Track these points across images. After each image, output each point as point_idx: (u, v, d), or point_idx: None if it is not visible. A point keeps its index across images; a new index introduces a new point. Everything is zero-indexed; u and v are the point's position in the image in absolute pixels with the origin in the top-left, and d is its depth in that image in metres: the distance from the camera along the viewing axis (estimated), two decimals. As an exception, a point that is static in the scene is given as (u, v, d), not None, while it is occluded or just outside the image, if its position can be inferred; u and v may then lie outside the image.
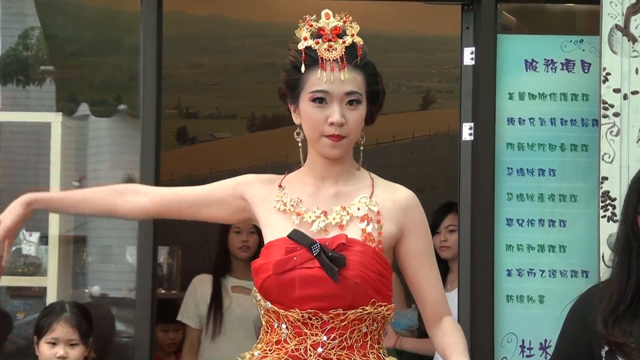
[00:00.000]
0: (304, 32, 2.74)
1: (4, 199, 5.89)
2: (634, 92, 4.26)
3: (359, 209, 2.74)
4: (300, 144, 2.80)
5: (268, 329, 2.73)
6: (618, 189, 4.21)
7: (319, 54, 2.70)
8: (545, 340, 4.38)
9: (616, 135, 4.24)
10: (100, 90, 6.21)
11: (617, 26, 4.28)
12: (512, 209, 4.46)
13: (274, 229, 2.75)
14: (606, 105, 4.26)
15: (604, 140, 4.24)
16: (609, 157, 4.25)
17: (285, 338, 2.68)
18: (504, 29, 4.68)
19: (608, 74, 4.25)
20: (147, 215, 2.95)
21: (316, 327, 2.66)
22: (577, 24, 4.88)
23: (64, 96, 6.05)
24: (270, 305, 2.70)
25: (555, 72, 4.51)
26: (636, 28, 4.27)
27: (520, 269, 4.43)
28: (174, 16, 4.98)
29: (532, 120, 4.50)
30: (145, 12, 4.53)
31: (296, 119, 2.79)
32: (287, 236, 2.70)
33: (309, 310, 2.65)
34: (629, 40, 4.27)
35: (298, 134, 2.80)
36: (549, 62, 4.52)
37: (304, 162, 2.83)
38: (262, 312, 2.75)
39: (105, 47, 5.97)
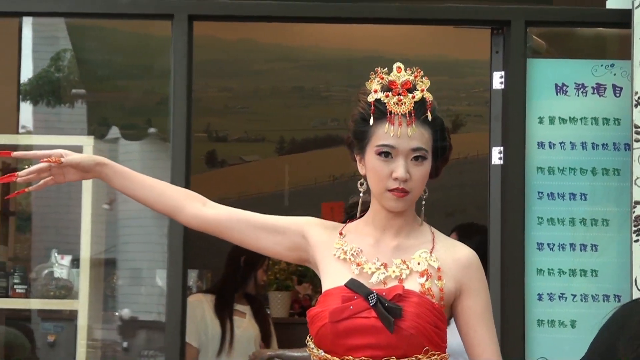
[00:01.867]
0: (374, 85, 2.75)
1: (36, 221, 5.93)
2: (666, 116, 4.24)
3: (419, 263, 2.75)
4: (361, 194, 2.81)
5: None
6: (650, 213, 4.18)
7: (387, 107, 2.72)
8: (577, 365, 4.35)
9: (648, 159, 4.22)
10: (131, 113, 6.25)
11: (650, 51, 4.26)
12: (543, 233, 4.44)
13: (332, 277, 2.76)
14: (638, 130, 4.24)
15: (636, 164, 4.21)
16: (641, 181, 4.23)
17: None
18: (534, 52, 4.67)
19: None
20: (205, 228, 2.90)
21: None
22: (608, 48, 4.87)
23: (95, 119, 6.09)
24: (323, 353, 2.70)
25: (586, 96, 4.50)
26: (668, 52, 4.26)
27: (551, 293, 4.40)
28: (203, 40, 5.00)
29: (562, 144, 4.49)
30: (176, 36, 4.55)
31: (361, 170, 2.80)
32: (345, 285, 2.71)
33: (362, 358, 2.66)
34: (662, 65, 4.25)
35: (361, 184, 2.80)
36: (580, 86, 4.50)
37: (360, 213, 2.86)
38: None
39: (136, 71, 6.00)
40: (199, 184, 7.50)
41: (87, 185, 4.84)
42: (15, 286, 4.91)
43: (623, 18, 4.35)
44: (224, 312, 5.48)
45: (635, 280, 4.17)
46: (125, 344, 5.77)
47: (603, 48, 4.88)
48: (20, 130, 5.93)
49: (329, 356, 2.69)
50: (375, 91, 2.73)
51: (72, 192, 5.39)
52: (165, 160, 4.64)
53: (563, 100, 4.49)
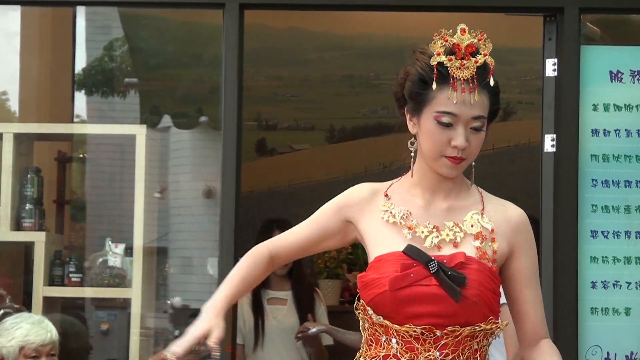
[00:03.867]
0: (437, 47, 2.63)
1: (90, 210, 5.98)
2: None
3: (472, 225, 2.68)
4: (412, 154, 2.72)
5: (372, 342, 2.69)
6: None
7: (450, 71, 2.61)
8: (632, 353, 4.33)
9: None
10: (182, 102, 6.27)
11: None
12: (597, 221, 4.42)
13: (383, 242, 2.68)
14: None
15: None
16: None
17: (395, 353, 2.64)
18: (588, 39, 4.64)
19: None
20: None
21: (429, 343, 2.62)
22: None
23: (147, 108, 6.12)
24: (381, 319, 2.64)
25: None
26: None
27: (605, 281, 4.37)
28: (254, 29, 5.01)
29: (617, 131, 4.45)
30: (227, 25, 4.57)
31: (412, 128, 2.70)
32: (402, 251, 2.63)
33: (424, 326, 2.61)
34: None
35: (412, 143, 2.71)
36: (636, 73, 4.46)
37: (413, 172, 2.73)
38: (367, 324, 2.70)
39: (187, 60, 6.03)
40: (250, 172, 7.54)
41: (140, 174, 4.87)
42: (70, 275, 4.95)
43: (679, 3, 4.32)
44: (256, 301, 5.31)
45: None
46: (177, 332, 5.79)
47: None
48: (75, 120, 5.98)
49: (387, 322, 2.63)
50: (439, 54, 2.62)
51: (125, 182, 5.43)
52: (216, 149, 4.67)
53: (618, 87, 4.45)
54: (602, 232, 4.41)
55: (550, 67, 4.52)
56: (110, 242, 5.05)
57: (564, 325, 4.35)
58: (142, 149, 4.88)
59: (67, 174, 5.67)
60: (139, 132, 4.93)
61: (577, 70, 4.45)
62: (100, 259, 5.01)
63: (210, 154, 5.93)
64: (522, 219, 2.74)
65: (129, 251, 4.96)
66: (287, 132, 8.96)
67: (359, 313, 2.71)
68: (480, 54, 2.64)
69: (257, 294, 5.31)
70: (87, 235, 5.85)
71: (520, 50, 7.74)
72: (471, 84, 2.62)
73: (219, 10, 4.60)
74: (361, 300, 2.69)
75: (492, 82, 2.65)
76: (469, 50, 2.63)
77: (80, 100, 6.08)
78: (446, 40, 2.64)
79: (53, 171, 5.53)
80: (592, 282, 4.39)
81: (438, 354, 2.61)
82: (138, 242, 4.88)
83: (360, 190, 2.77)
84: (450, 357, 2.62)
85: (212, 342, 2.66)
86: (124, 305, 5.10)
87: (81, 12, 5.88)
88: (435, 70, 2.62)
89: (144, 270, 4.87)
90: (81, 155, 5.90)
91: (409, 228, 2.67)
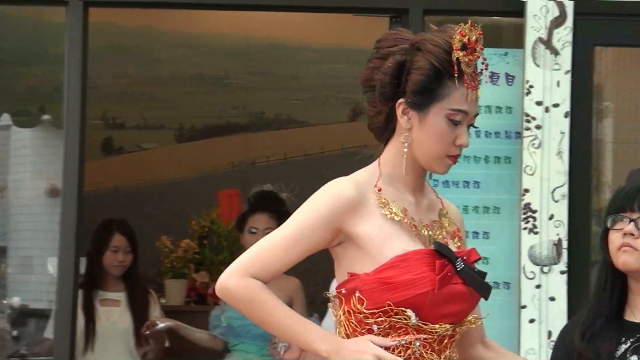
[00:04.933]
0: (456, 42, 2.51)
1: None
2: (555, 105, 4.30)
3: (448, 224, 2.63)
4: (406, 150, 2.55)
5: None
6: (539, 201, 4.24)
7: (462, 68, 2.51)
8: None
9: (538, 147, 4.28)
10: (24, 100, 6.12)
11: (540, 39, 4.33)
12: (438, 221, 4.47)
13: (396, 241, 2.53)
14: (528, 118, 4.30)
15: (526, 153, 4.27)
16: (531, 170, 4.28)
17: (417, 356, 2.52)
18: (432, 41, 4.69)
19: (531, 86, 4.30)
20: None
21: (445, 342, 2.55)
22: (503, 37, 4.91)
23: (-16, 106, 5.96)
24: (416, 321, 2.50)
25: (480, 84, 4.53)
26: (558, 41, 4.32)
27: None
28: (101, 27, 4.93)
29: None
30: (70, 22, 4.49)
31: (407, 123, 2.55)
32: (435, 250, 2.52)
33: (451, 325, 2.54)
34: (551, 53, 4.31)
35: (407, 137, 2.54)
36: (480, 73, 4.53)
37: (397, 165, 2.58)
38: (376, 328, 2.52)
39: (29, 57, 5.89)
40: (95, 171, 7.42)
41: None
42: None
43: (517, 7, 4.40)
44: (87, 302, 5.13)
45: (523, 268, 4.23)
46: (15, 333, 5.66)
47: (498, 37, 4.91)
48: None
49: (421, 324, 2.50)
50: (457, 49, 2.49)
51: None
52: (59, 147, 4.58)
53: (462, 88, 4.51)
54: (443, 231, 4.46)
55: (396, 68, 4.56)
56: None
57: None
58: (-21, 148, 4.75)
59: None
60: (-24, 130, 4.80)
61: (420, 71, 4.48)
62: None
63: (53, 152, 5.80)
64: (460, 214, 2.74)
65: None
66: (135, 131, 8.87)
67: (361, 316, 2.53)
68: (478, 50, 2.55)
69: (88, 294, 5.19)
70: None
71: (368, 50, 7.82)
72: (475, 81, 2.55)
73: (62, 7, 4.51)
74: (381, 303, 2.50)
75: (486, 80, 2.61)
76: (474, 45, 2.54)
77: None
78: (463, 36, 2.51)
79: None
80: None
81: (448, 351, 2.56)
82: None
83: (344, 193, 2.54)
84: (455, 354, 2.58)
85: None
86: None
87: None
88: (454, 66, 2.50)
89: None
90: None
91: (414, 227, 2.57)
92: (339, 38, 7.77)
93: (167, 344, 5.24)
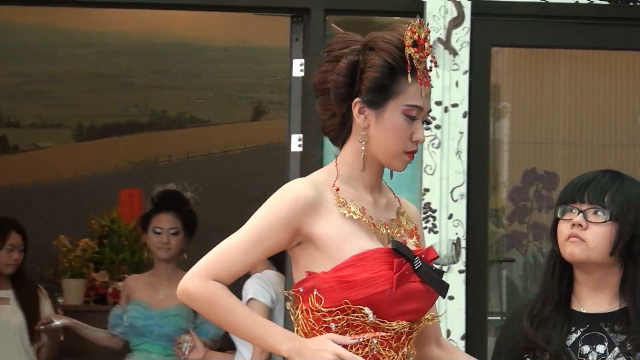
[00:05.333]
0: (407, 38, 2.54)
1: None
2: (454, 105, 4.35)
3: (406, 222, 2.65)
4: (363, 149, 2.57)
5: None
6: (438, 200, 4.28)
7: (414, 64, 2.55)
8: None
9: (437, 147, 4.33)
10: None
11: (439, 39, 4.37)
12: (340, 220, 4.48)
13: (355, 240, 2.55)
14: (428, 118, 4.34)
15: (426, 153, 4.31)
16: (431, 169, 4.33)
17: (374, 353, 2.53)
18: (333, 41, 4.71)
19: (430, 86, 4.33)
20: None
21: (402, 340, 2.57)
22: (404, 37, 4.95)
23: None
24: (373, 319, 2.52)
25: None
26: (457, 41, 4.37)
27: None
28: (-2, 24, 4.84)
29: (359, 131, 4.54)
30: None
31: (363, 122, 2.57)
32: (392, 248, 2.54)
33: (408, 322, 2.56)
34: (450, 54, 4.36)
35: (364, 136, 2.57)
36: (376, 73, 4.56)
37: (355, 165, 2.60)
38: (333, 326, 2.53)
39: None
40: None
41: None
42: None
43: (417, 7, 4.44)
44: None
45: (425, 266, 4.26)
46: None
47: (399, 37, 4.96)
48: None
49: (379, 322, 2.52)
50: (409, 45, 2.53)
51: None
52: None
53: (360, 88, 4.53)
54: (345, 230, 4.49)
55: (298, 68, 4.56)
56: None
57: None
58: None
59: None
60: None
61: (322, 70, 4.50)
62: None
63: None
64: (419, 214, 2.77)
65: None
66: (32, 129, 8.72)
67: (319, 314, 2.53)
68: (426, 47, 2.59)
69: None
70: None
71: (271, 49, 7.82)
72: (427, 77, 2.59)
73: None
74: (339, 302, 2.51)
75: (437, 76, 2.65)
76: (423, 42, 2.58)
77: None
78: (414, 33, 2.55)
79: None
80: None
81: (406, 349, 2.57)
82: None
83: (302, 194, 2.55)
84: (412, 351, 2.59)
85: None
86: None
87: None
88: (408, 62, 2.54)
89: None
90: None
91: (373, 225, 2.58)
92: (242, 37, 7.76)
93: (61, 337, 5.16)
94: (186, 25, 7.59)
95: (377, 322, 2.52)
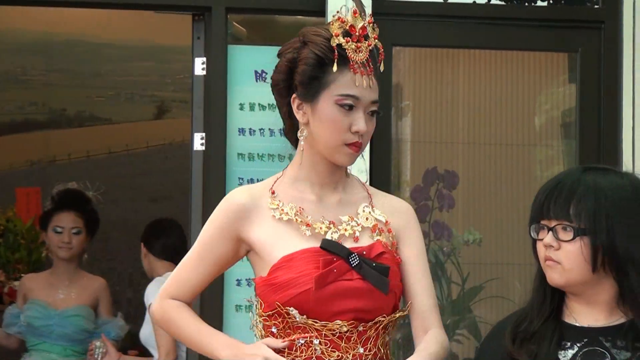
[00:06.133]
0: (335, 28, 2.54)
1: None
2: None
3: (367, 219, 2.59)
4: (302, 145, 2.59)
5: (284, 349, 2.53)
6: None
7: (347, 54, 2.53)
8: (273, 349, 4.43)
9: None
10: None
11: (342, 39, 4.38)
12: (243, 219, 4.48)
13: (283, 242, 2.54)
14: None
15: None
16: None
17: (319, 354, 2.51)
18: (235, 39, 4.70)
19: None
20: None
21: (353, 340, 2.52)
22: (307, 36, 4.96)
23: None
24: (305, 319, 2.50)
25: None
26: (359, 41, 4.39)
27: (249, 278, 4.45)
28: None
29: (262, 130, 4.54)
30: None
31: (302, 117, 2.58)
32: (321, 247, 2.51)
33: (350, 322, 2.51)
34: (353, 53, 4.37)
35: (302, 131, 2.58)
36: (278, 73, 4.57)
37: (301, 164, 2.62)
38: (275, 329, 2.54)
39: None
40: None
41: None
42: None
43: (318, 6, 4.45)
44: None
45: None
46: None
47: (301, 36, 4.97)
48: None
49: (310, 321, 2.50)
50: (337, 35, 2.53)
51: None
52: None
53: (262, 86, 4.53)
54: (247, 229, 4.48)
55: (200, 66, 4.54)
56: None
57: (210, 323, 4.37)
58: None
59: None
60: None
61: (224, 69, 4.49)
62: None
63: None
64: (408, 207, 2.68)
65: None
66: None
67: (261, 319, 2.56)
68: (371, 37, 2.58)
69: None
70: None
71: (174, 48, 7.78)
72: (368, 67, 2.55)
73: None
74: (273, 305, 2.52)
75: (382, 68, 2.61)
76: (362, 33, 2.56)
77: None
78: (343, 22, 2.55)
79: None
80: (237, 279, 4.45)
81: (362, 349, 2.52)
82: None
83: (235, 201, 2.58)
84: (372, 351, 2.54)
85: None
86: None
87: None
88: (335, 51, 2.52)
89: None
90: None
91: (307, 225, 2.55)
92: (143, 35, 7.69)
93: None
94: (86, 23, 7.50)
95: (311, 322, 2.51)
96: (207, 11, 4.52)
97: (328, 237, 2.55)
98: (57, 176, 5.75)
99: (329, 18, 4.33)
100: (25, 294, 5.04)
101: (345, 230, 2.58)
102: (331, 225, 2.57)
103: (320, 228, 2.56)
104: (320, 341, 2.52)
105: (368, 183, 4.41)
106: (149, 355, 4.76)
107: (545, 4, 4.76)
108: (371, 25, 2.59)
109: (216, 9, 4.50)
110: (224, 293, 4.40)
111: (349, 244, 2.56)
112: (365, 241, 2.57)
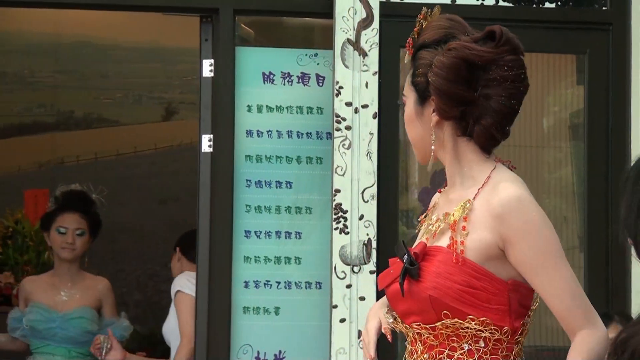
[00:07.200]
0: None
1: None
2: (364, 106, 4.37)
3: (453, 214, 2.49)
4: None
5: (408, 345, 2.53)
6: (349, 201, 4.30)
7: None
8: (280, 351, 4.42)
9: (348, 148, 4.34)
10: None
11: (348, 40, 4.39)
12: (251, 221, 4.48)
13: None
14: (339, 119, 4.35)
15: (337, 153, 4.33)
16: (341, 170, 4.34)
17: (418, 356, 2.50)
18: (243, 41, 4.70)
19: (341, 87, 4.35)
20: None
21: (419, 342, 2.48)
22: (314, 38, 4.96)
23: None
24: (391, 320, 2.54)
25: (291, 85, 4.57)
26: (366, 42, 4.39)
27: (257, 280, 4.45)
28: None
29: (269, 132, 4.54)
30: None
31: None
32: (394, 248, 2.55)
33: (413, 325, 2.48)
34: (359, 55, 4.38)
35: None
36: (286, 75, 4.57)
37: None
38: None
39: None
40: None
41: None
42: None
43: (326, 8, 4.45)
44: None
45: (335, 267, 4.28)
46: None
47: (310, 38, 4.96)
48: None
49: (394, 324, 2.54)
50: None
51: None
52: None
53: (270, 88, 4.54)
54: (255, 232, 4.48)
55: (207, 68, 4.55)
56: None
57: (218, 324, 4.39)
58: None
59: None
60: None
61: (232, 71, 4.49)
62: None
63: None
64: (504, 206, 2.45)
65: None
66: None
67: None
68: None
69: None
70: None
71: (182, 50, 7.78)
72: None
73: None
74: None
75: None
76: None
77: None
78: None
79: None
80: (245, 281, 4.45)
81: (427, 355, 2.46)
82: None
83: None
84: (438, 358, 2.46)
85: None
86: None
87: None
88: None
89: None
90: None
91: (424, 223, 2.62)
92: (151, 37, 7.69)
93: None
94: (94, 25, 7.50)
95: (394, 325, 2.56)
96: (215, 13, 4.52)
97: (420, 235, 2.59)
98: (65, 178, 5.74)
99: (338, 20, 4.35)
100: (26, 297, 5.03)
101: (431, 228, 2.55)
102: (438, 220, 2.55)
103: (431, 226, 2.57)
104: (408, 341, 2.52)
105: (376, 185, 4.42)
106: (156, 356, 4.77)
107: (553, 5, 4.75)
108: (423, 19, 2.76)
109: (224, 11, 4.50)
110: (232, 295, 4.40)
111: (431, 241, 2.52)
112: (443, 237, 2.49)
